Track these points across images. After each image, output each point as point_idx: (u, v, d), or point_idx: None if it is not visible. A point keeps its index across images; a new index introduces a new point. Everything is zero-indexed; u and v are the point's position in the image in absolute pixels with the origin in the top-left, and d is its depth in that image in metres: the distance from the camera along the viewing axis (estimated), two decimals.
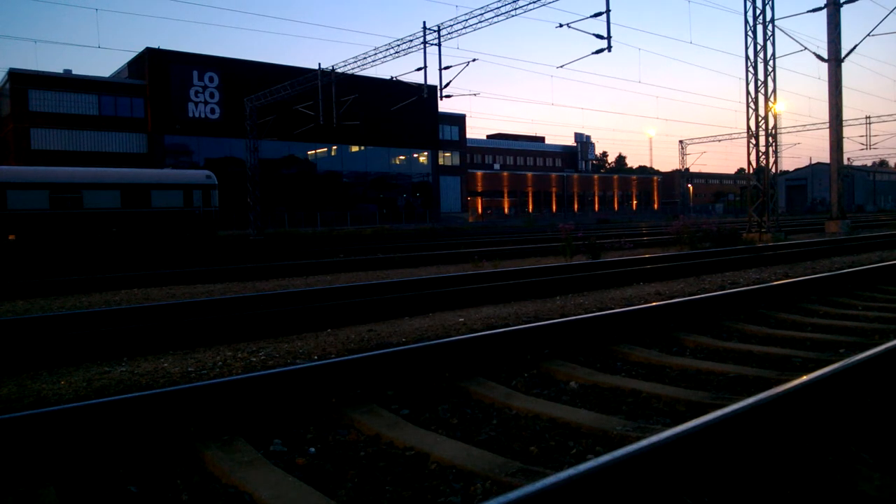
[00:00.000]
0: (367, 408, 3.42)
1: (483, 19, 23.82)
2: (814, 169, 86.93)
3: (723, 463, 2.42)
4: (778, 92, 20.37)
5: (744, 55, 20.12)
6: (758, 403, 2.62)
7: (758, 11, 19.82)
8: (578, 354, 4.62)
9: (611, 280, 8.97)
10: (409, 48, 26.05)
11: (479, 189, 74.53)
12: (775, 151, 20.28)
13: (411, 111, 44.47)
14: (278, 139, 46.15)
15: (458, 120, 67.07)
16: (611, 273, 9.23)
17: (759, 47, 19.88)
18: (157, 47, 46.85)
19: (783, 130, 59.00)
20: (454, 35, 24.67)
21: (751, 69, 20.06)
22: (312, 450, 2.94)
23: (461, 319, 6.11)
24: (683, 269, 10.06)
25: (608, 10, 19.78)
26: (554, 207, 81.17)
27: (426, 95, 27.71)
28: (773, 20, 19.85)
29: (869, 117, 51.69)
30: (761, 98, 19.99)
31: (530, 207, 78.64)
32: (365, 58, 28.07)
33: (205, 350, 5.02)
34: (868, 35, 24.61)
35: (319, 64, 30.37)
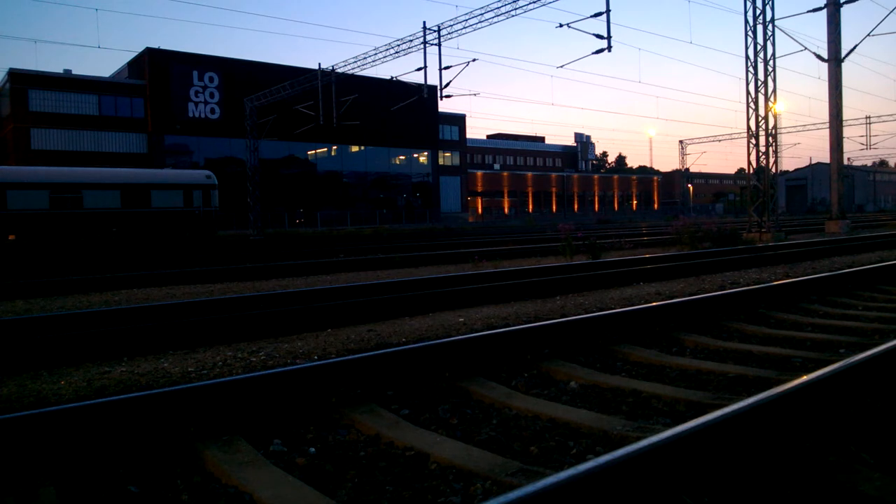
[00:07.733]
0: (367, 408, 3.42)
1: (483, 19, 23.82)
2: (814, 169, 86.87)
3: (723, 463, 2.42)
4: (778, 92, 20.40)
5: (744, 55, 20.14)
6: (758, 403, 2.62)
7: (758, 11, 19.83)
8: (578, 354, 4.62)
9: (611, 280, 8.97)
10: (409, 48, 26.06)
11: (479, 189, 74.53)
12: (775, 151, 20.29)
13: (411, 111, 44.43)
14: (278, 139, 46.08)
15: (458, 120, 67.04)
16: (611, 273, 9.23)
17: (759, 47, 19.89)
18: (157, 47, 46.87)
19: (783, 130, 59.09)
20: (454, 35, 24.68)
21: (751, 69, 20.07)
22: (312, 450, 2.94)
23: (461, 319, 6.11)
24: (683, 269, 10.06)
25: (608, 10, 19.79)
26: (554, 207, 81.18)
27: (426, 95, 27.73)
28: (773, 20, 19.86)
29: (869, 117, 51.86)
30: (761, 98, 20.00)
31: (530, 207, 78.65)
32: (365, 58, 28.08)
33: (205, 350, 5.02)
34: (868, 35, 24.63)
35: (319, 64, 30.41)
